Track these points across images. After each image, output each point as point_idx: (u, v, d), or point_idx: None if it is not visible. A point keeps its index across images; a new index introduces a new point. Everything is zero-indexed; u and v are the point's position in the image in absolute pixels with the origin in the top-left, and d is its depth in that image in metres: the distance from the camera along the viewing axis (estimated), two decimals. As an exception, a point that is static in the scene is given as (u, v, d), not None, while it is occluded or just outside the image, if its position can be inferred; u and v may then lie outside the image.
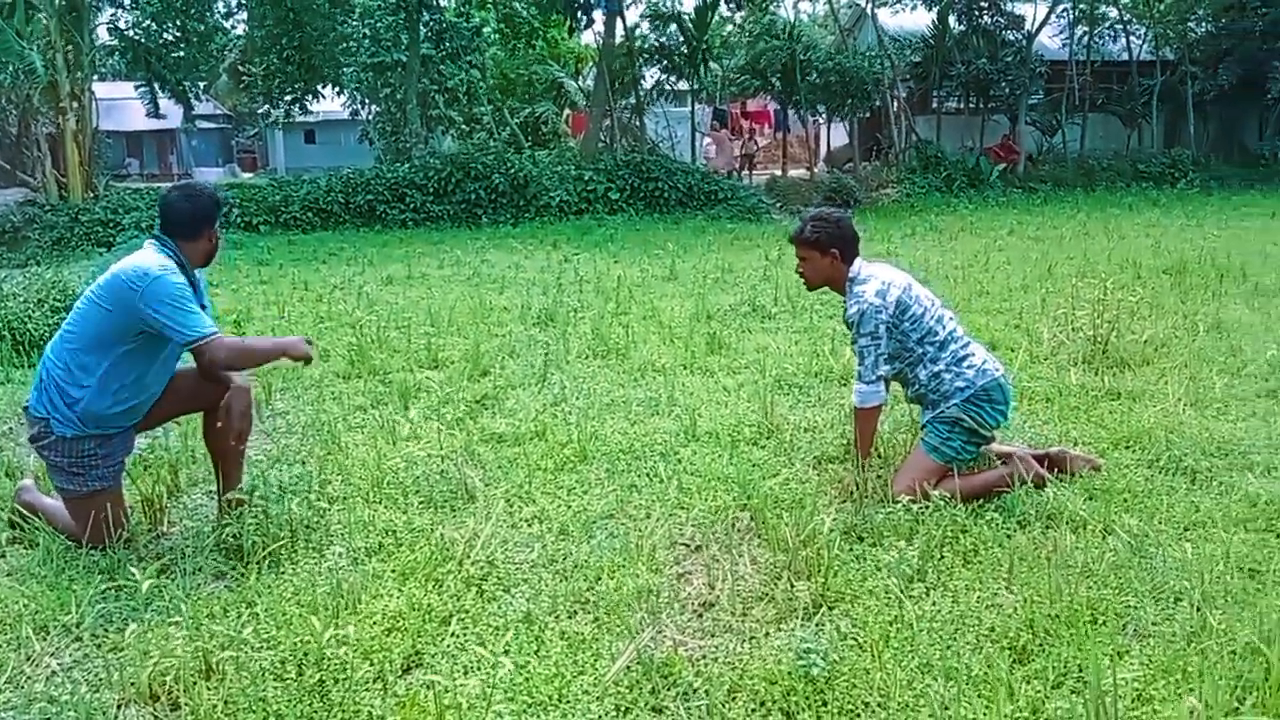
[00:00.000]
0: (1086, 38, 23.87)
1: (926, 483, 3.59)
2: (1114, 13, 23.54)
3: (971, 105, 24.16)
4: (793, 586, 3.05)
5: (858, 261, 3.87)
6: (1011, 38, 23.02)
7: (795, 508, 3.60)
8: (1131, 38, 24.06)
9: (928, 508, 3.42)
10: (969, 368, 3.77)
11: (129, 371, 3.37)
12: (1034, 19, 22.83)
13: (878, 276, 3.81)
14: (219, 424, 3.61)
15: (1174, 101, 23.87)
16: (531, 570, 3.25)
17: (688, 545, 3.45)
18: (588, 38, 25.40)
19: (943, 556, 3.21)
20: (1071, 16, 22.98)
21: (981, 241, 12.39)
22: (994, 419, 3.78)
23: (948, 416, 3.73)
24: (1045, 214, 16.33)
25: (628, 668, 2.61)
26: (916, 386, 3.86)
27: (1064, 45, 23.54)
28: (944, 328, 3.82)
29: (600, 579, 3.13)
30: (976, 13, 22.91)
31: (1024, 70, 22.24)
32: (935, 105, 24.38)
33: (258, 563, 3.25)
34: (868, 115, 23.26)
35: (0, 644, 2.85)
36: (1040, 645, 2.67)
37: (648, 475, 4.12)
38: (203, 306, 3.54)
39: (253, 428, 3.84)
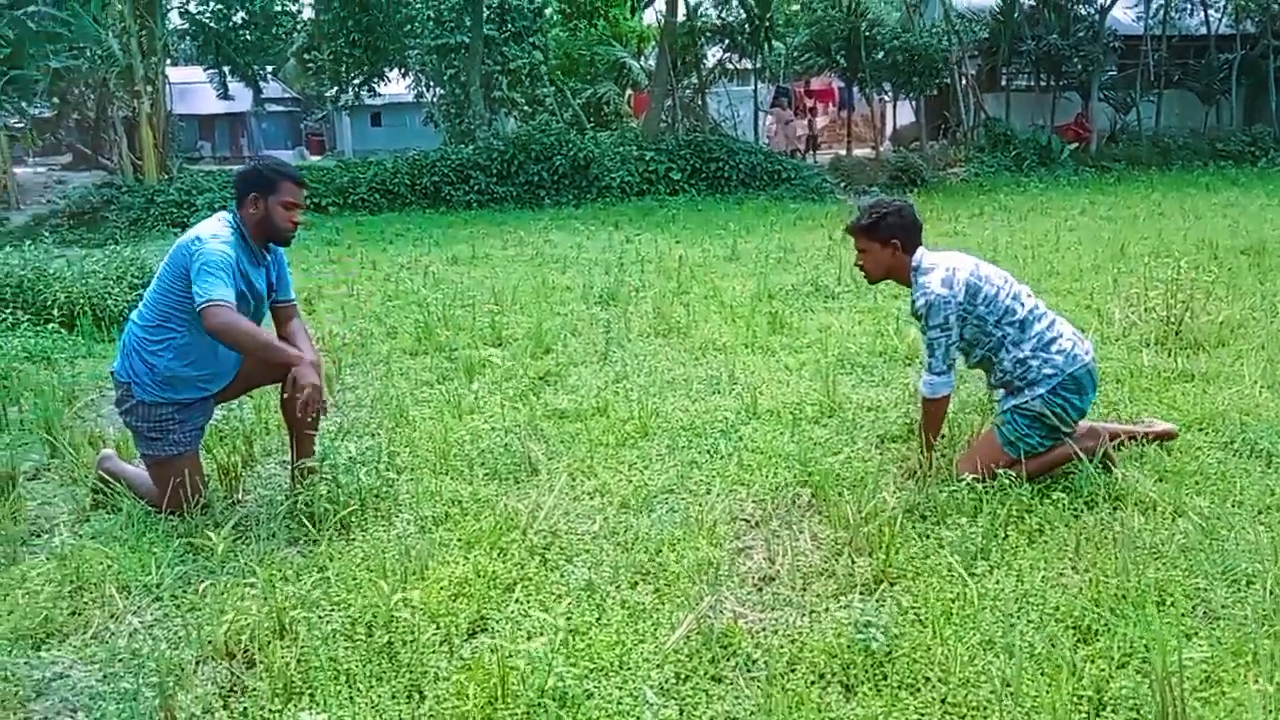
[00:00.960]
0: (1162, 12, 23.08)
1: (987, 468, 3.51)
2: (1192, -16, 22.76)
3: (1042, 82, 23.58)
4: (853, 562, 3.05)
5: (920, 250, 3.71)
6: (1084, 12, 22.39)
7: (857, 485, 3.59)
8: (1210, 11, 23.23)
9: (993, 487, 3.39)
10: (1058, 352, 3.56)
11: (202, 338, 3.45)
12: (1108, -8, 22.17)
13: (942, 264, 3.64)
14: (287, 395, 3.71)
15: (1254, 77, 23.03)
16: (593, 541, 3.29)
17: (748, 520, 3.46)
18: (650, 17, 25.34)
19: (1007, 535, 3.19)
20: (1147, -12, 22.27)
21: (1052, 221, 12.13)
22: (1078, 411, 3.59)
23: (1029, 409, 3.54)
24: (1118, 193, 15.92)
25: (688, 637, 2.64)
26: (1001, 374, 3.66)
27: (1139, 19, 22.83)
28: (1022, 305, 3.62)
29: (661, 551, 3.17)
30: (1047, -14, 22.36)
31: (1097, 46, 21.64)
32: (1004, 82, 23.81)
33: (329, 529, 3.35)
34: (935, 93, 22.84)
35: (86, 602, 2.98)
36: (1105, 625, 2.63)
37: (708, 452, 4.14)
38: (277, 279, 3.68)
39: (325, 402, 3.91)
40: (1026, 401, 3.57)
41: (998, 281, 3.64)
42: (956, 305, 3.56)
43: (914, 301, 3.67)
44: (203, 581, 3.00)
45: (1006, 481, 3.39)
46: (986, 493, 3.37)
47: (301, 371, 3.39)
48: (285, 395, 3.67)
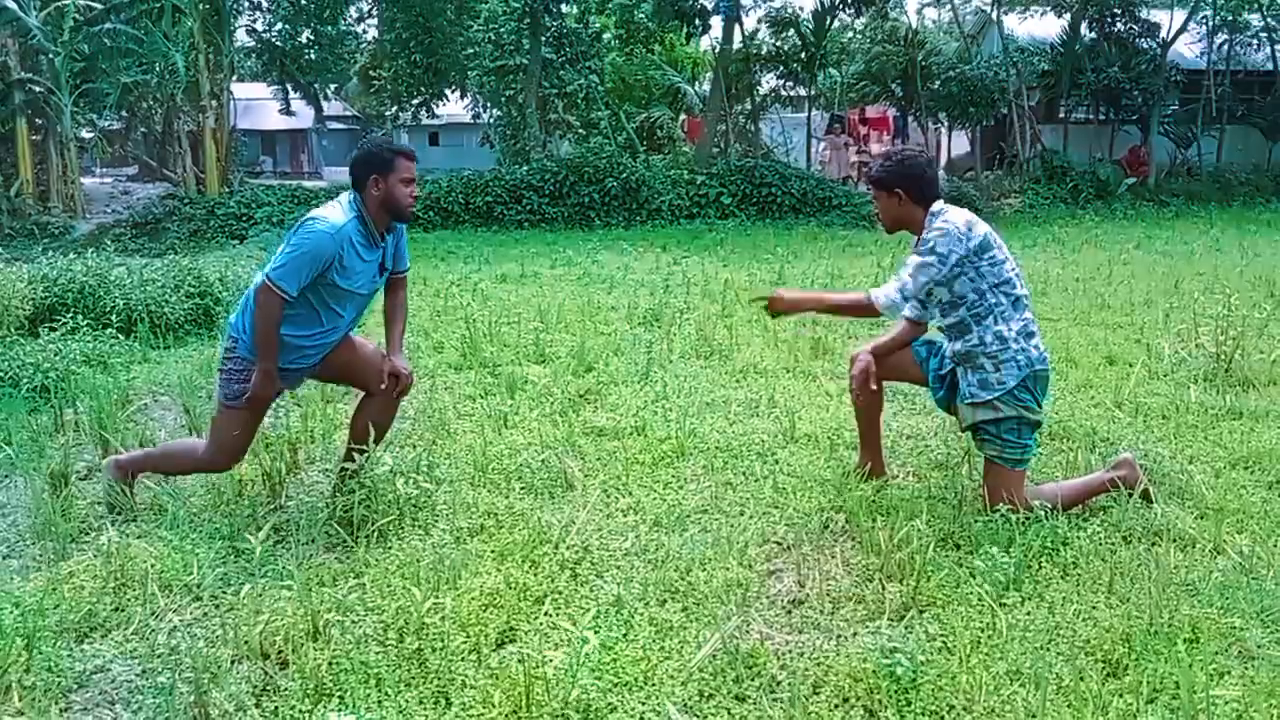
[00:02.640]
0: (1226, 46, 22.73)
1: (1016, 495, 3.47)
2: (1256, 20, 22.33)
3: (1101, 115, 23.31)
4: (884, 588, 3.04)
5: (940, 202, 3.63)
6: (1145, 46, 22.13)
7: (891, 512, 3.57)
8: (1277, 46, 22.83)
9: (1028, 518, 3.36)
10: (1035, 346, 3.56)
11: (304, 310, 3.55)
12: (1169, 27, 21.88)
13: (964, 214, 3.58)
14: (362, 415, 3.84)
15: (1322, 113, 22.57)
16: (624, 558, 3.32)
17: (780, 543, 3.47)
18: (705, 42, 25.50)
19: (1040, 567, 3.16)
20: (1210, 24, 21.92)
21: (1106, 255, 11.97)
22: (1040, 409, 3.60)
23: (1007, 418, 3.50)
24: (1176, 228, 15.68)
25: (713, 656, 2.65)
26: (974, 343, 3.55)
27: (1202, 54, 22.49)
28: (1020, 285, 3.59)
29: (691, 570, 3.18)
30: (1109, 20, 22.14)
31: (1158, 79, 21.39)
32: (1063, 114, 23.60)
33: (366, 536, 3.41)
34: (991, 123, 22.70)
35: (129, 599, 3.06)
36: (1136, 660, 2.60)
37: (744, 474, 4.15)
38: (395, 255, 3.89)
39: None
40: (992, 403, 3.51)
41: (1007, 253, 3.60)
42: (965, 248, 3.47)
43: (925, 238, 3.58)
44: (242, 583, 3.07)
45: (1042, 514, 3.36)
46: (1022, 524, 3.34)
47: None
48: (362, 414, 3.85)
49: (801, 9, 24.12)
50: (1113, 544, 3.33)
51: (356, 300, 3.72)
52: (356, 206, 3.61)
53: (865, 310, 3.69)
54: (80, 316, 6.70)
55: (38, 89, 21.72)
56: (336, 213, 3.55)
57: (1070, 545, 3.28)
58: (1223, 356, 5.53)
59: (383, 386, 3.75)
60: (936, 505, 3.73)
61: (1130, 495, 3.51)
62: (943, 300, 3.62)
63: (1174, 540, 3.34)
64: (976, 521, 3.45)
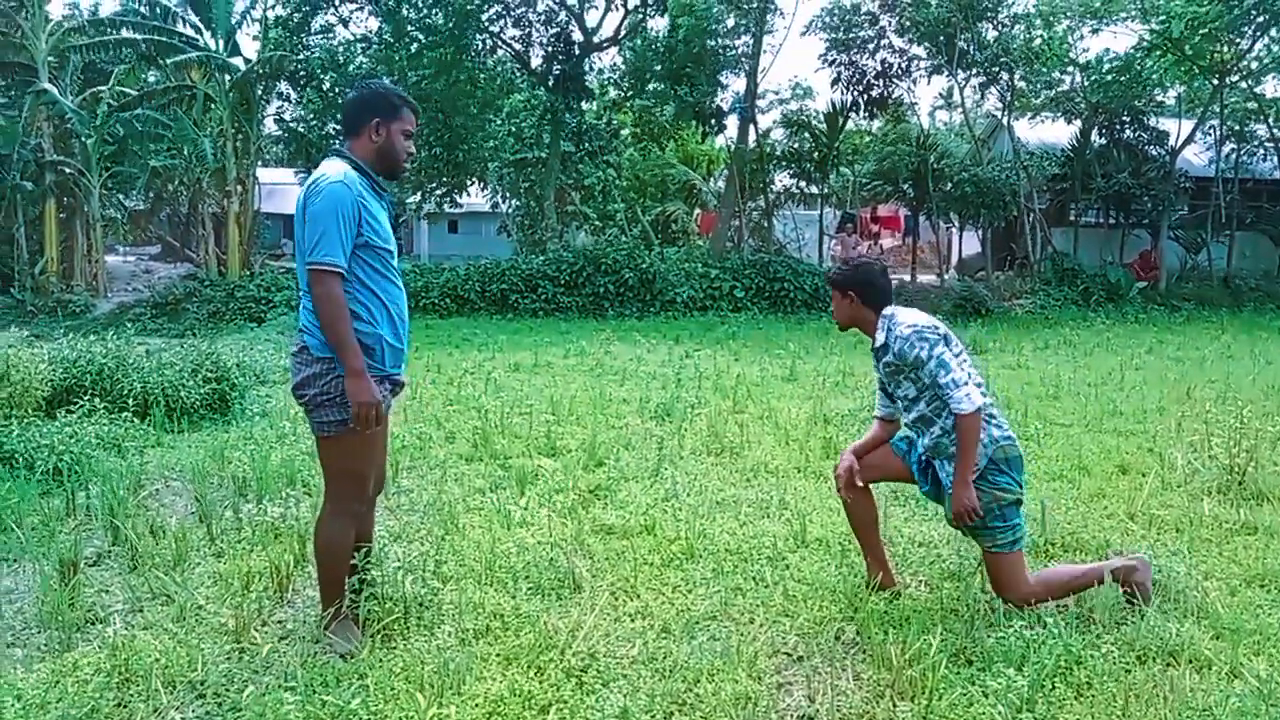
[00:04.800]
0: (1234, 155, 23.11)
1: (1018, 578, 3.59)
2: (1263, 130, 22.75)
3: (1111, 219, 23.60)
4: (894, 706, 3.00)
5: (890, 308, 3.82)
6: (1155, 153, 22.51)
7: (903, 624, 3.54)
8: (1283, 156, 23.20)
9: (1042, 633, 3.32)
10: (996, 426, 3.64)
11: (363, 293, 3.26)
12: (1178, 135, 22.29)
13: (918, 312, 3.78)
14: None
15: (1331, 222, 22.81)
16: (631, 666, 3.28)
17: (790, 654, 3.42)
18: (720, 140, 26.07)
19: (1054, 688, 3.10)
20: (1219, 134, 22.33)
21: (1117, 359, 11.98)
22: (1019, 486, 3.64)
23: (991, 500, 3.55)
24: (1187, 333, 15.71)
25: (720, 774, 2.60)
26: (937, 434, 3.65)
27: (1210, 162, 22.85)
28: (977, 377, 3.68)
29: (699, 681, 3.14)
30: (1118, 127, 22.56)
31: (1167, 186, 21.69)
32: (1073, 217, 23.90)
33: (372, 636, 3.38)
34: (1002, 224, 22.99)
35: (133, 694, 3.04)
36: (1154, 791, 2.54)
37: (754, 579, 4.12)
38: (394, 222, 3.42)
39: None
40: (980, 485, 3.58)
41: (960, 345, 3.74)
42: (936, 336, 3.61)
43: (889, 343, 3.72)
44: (246, 681, 3.05)
45: (1057, 630, 3.32)
46: (1035, 640, 3.29)
47: (351, 389, 3.15)
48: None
49: (816, 111, 24.73)
50: (1127, 664, 3.28)
51: (395, 265, 3.38)
52: (341, 154, 3.31)
53: (975, 424, 3.56)
54: (97, 399, 6.76)
55: (68, 170, 22.29)
56: (332, 168, 3.24)
57: (1084, 664, 3.22)
58: (1236, 468, 5.50)
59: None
60: (948, 618, 3.68)
61: (1130, 596, 3.61)
62: (908, 396, 3.74)
63: (1190, 661, 3.28)
64: (990, 637, 3.41)
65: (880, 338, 3.78)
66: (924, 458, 3.84)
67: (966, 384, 3.55)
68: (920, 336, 3.61)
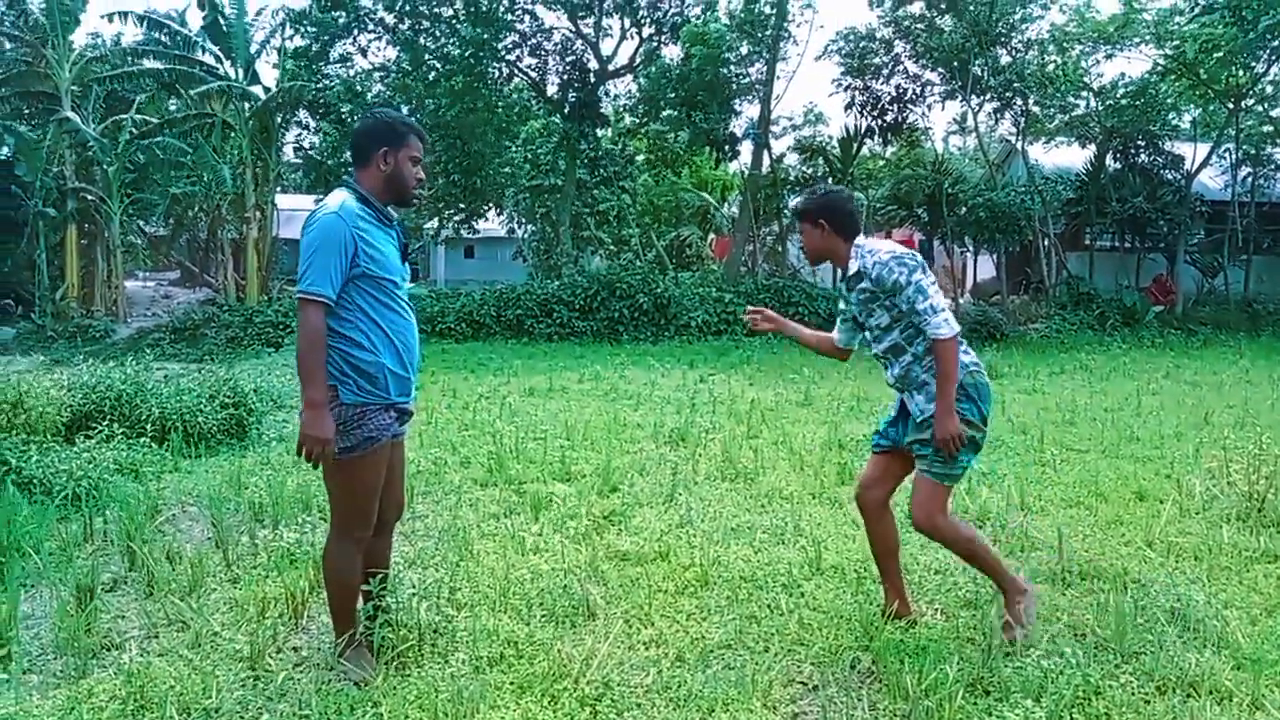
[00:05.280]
0: (1251, 179, 23.04)
1: (936, 511, 3.60)
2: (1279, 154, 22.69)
3: (1127, 243, 23.53)
4: (911, 736, 2.97)
5: (861, 237, 3.78)
6: (1170, 177, 22.45)
7: (919, 653, 3.51)
8: (1300, 180, 23.12)
9: (1060, 663, 3.29)
10: (964, 352, 3.62)
11: (363, 321, 3.25)
12: (1194, 159, 22.24)
13: (889, 243, 3.72)
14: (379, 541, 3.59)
15: (1348, 245, 22.66)
16: (645, 695, 3.26)
17: (805, 684, 3.40)
18: (734, 165, 26.18)
19: (1073, 719, 3.07)
20: (1234, 158, 22.27)
21: (1134, 384, 11.92)
22: (982, 417, 3.62)
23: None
24: (1204, 358, 15.61)
25: (735, 805, 2.59)
26: (907, 360, 3.66)
27: (1226, 186, 22.78)
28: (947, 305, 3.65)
29: (714, 711, 3.12)
30: (1133, 151, 22.54)
31: (1183, 210, 21.63)
32: (1088, 241, 23.84)
33: (386, 663, 3.38)
34: (1017, 249, 22.95)
35: (147, 722, 3.04)
36: (1175, 825, 2.51)
37: (769, 607, 4.10)
38: (404, 251, 3.45)
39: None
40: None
41: (934, 277, 3.70)
42: (915, 263, 3.58)
43: (870, 266, 3.65)
44: (260, 710, 3.05)
45: (1075, 660, 3.29)
46: (1053, 670, 3.26)
47: (305, 419, 3.14)
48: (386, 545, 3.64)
49: (830, 136, 24.81)
50: (1147, 695, 3.24)
51: (402, 295, 3.38)
52: (349, 185, 3.34)
53: (953, 351, 3.54)
54: (116, 424, 6.81)
55: (90, 197, 22.56)
56: (332, 199, 3.27)
57: (1103, 695, 3.19)
58: (1256, 495, 5.45)
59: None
60: (965, 647, 3.66)
61: (1006, 624, 3.64)
62: (880, 325, 3.73)
63: (1210, 692, 3.25)
64: (1007, 667, 3.38)
65: (854, 265, 3.74)
66: (894, 412, 3.85)
67: (944, 310, 3.54)
68: (899, 261, 3.58)
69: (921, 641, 3.66)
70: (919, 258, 3.64)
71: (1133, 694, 3.20)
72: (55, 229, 22.15)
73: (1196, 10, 19.11)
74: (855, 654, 3.59)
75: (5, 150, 23.10)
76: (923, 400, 3.64)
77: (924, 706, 3.08)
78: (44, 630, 3.84)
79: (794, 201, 4.40)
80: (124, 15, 22.27)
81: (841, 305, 4.03)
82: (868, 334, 3.83)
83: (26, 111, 23.63)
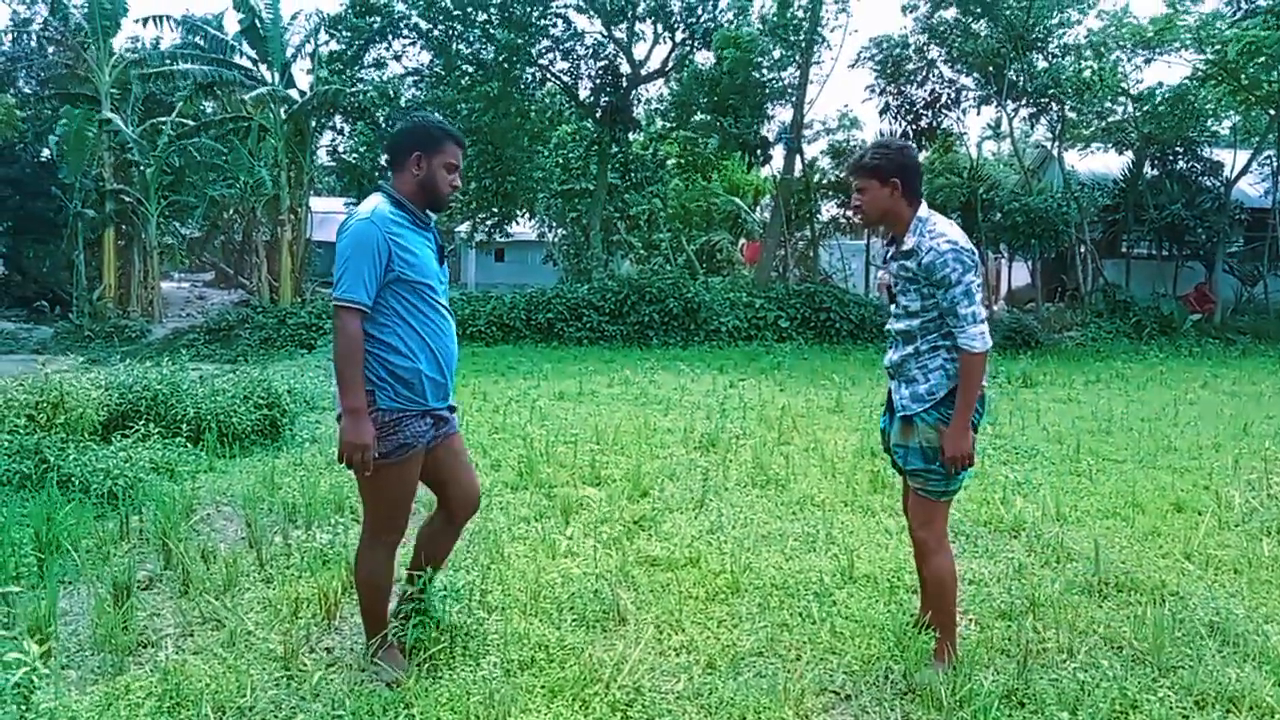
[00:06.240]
0: (1292, 186, 22.64)
1: (933, 528, 3.49)
2: (1322, 161, 22.28)
3: (1165, 251, 23.21)
4: (945, 748, 2.94)
5: (925, 205, 3.47)
6: (1209, 184, 22.13)
7: (953, 664, 3.47)
8: (1344, 187, 22.66)
9: (1096, 676, 3.24)
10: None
11: (400, 325, 3.25)
12: (1233, 165, 21.91)
13: (956, 227, 3.41)
14: (426, 545, 3.63)
15: (1392, 254, 22.19)
16: (676, 702, 3.25)
17: (837, 693, 3.38)
18: (766, 170, 26.12)
19: (1110, 733, 3.03)
20: (1275, 165, 21.91)
21: (1171, 393, 11.75)
22: (976, 429, 3.42)
23: (932, 444, 3.38)
24: (1243, 367, 15.36)
25: (767, 814, 2.57)
26: (908, 351, 3.44)
27: (1267, 194, 22.41)
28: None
29: (745, 719, 3.10)
30: (1171, 158, 22.25)
31: (1222, 217, 21.31)
32: (1125, 249, 23.54)
33: (418, 665, 3.40)
34: (1053, 256, 22.71)
35: (183, 719, 3.07)
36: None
37: (800, 614, 4.07)
38: (440, 253, 3.42)
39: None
40: (922, 412, 3.40)
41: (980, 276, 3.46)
42: (972, 262, 3.31)
43: (918, 253, 3.37)
44: (294, 709, 3.07)
45: (1112, 673, 3.24)
46: (1089, 683, 3.22)
47: (343, 427, 3.15)
48: (443, 536, 3.67)
49: (863, 141, 24.66)
50: (1185, 710, 3.19)
51: (439, 297, 3.37)
52: (385, 190, 3.34)
53: (980, 368, 3.34)
54: (151, 424, 6.89)
55: (128, 199, 22.89)
56: (365, 205, 3.29)
57: (1140, 709, 3.15)
58: (1298, 509, 5.36)
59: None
60: (999, 658, 3.62)
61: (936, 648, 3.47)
62: (908, 308, 3.46)
63: (1251, 708, 3.19)
64: (1042, 678, 3.34)
65: (911, 241, 3.40)
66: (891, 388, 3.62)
67: (983, 322, 3.32)
68: (958, 259, 3.28)
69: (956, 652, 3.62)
70: (975, 255, 3.38)
71: (1170, 709, 3.15)
72: (93, 230, 22.50)
73: (1239, 15, 18.83)
74: (888, 664, 3.56)
75: (47, 152, 23.50)
76: (907, 396, 3.46)
77: (958, 718, 3.05)
78: (81, 627, 3.89)
79: (859, 154, 4.10)
80: (160, 19, 22.62)
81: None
82: (893, 306, 3.57)
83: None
